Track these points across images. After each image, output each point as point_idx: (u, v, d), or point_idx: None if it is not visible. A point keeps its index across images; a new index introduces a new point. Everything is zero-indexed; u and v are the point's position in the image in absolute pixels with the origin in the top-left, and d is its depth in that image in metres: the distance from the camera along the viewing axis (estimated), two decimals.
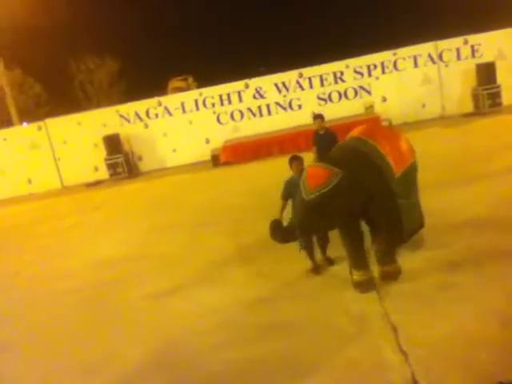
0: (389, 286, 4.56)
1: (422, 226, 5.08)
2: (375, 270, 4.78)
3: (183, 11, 34.03)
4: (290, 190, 4.97)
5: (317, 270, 5.28)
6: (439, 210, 6.08)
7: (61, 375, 4.19)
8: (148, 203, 10.72)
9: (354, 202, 4.27)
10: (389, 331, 3.85)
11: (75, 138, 15.35)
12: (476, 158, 8.40)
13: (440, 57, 14.24)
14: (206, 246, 6.80)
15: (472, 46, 14.05)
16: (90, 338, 4.78)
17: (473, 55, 14.08)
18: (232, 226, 7.45)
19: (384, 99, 14.52)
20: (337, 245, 5.03)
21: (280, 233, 4.39)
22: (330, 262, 5.42)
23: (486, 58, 13.76)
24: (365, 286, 4.61)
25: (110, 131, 14.90)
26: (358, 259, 4.66)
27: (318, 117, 7.59)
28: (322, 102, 14.84)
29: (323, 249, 5.42)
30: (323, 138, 7.29)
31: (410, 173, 4.71)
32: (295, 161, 5.24)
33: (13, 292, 6.51)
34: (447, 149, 9.62)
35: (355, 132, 4.94)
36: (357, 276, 4.66)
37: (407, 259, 5.00)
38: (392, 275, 4.66)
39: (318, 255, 5.41)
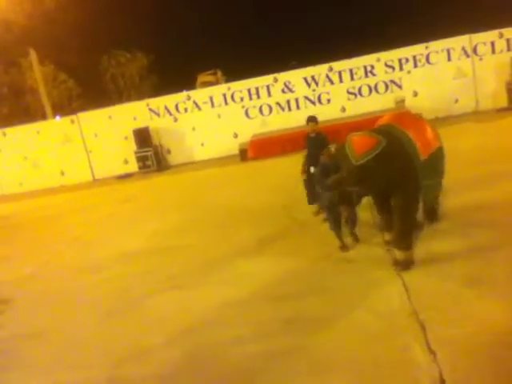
0: (417, 283, 4.49)
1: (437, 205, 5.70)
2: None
3: (213, 6, 34.06)
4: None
5: (345, 248, 5.63)
6: (469, 205, 6.01)
7: (89, 364, 4.27)
8: (176, 197, 10.82)
9: (393, 170, 4.60)
10: (417, 329, 3.78)
11: (106, 132, 15.63)
12: (506, 155, 8.17)
13: (474, 50, 13.88)
14: (232, 241, 6.81)
15: (507, 40, 13.66)
16: (118, 329, 4.85)
17: (508, 49, 13.68)
18: (258, 221, 7.45)
19: (415, 94, 14.27)
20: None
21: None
22: (356, 238, 5.78)
23: None
24: (407, 264, 4.87)
25: (139, 125, 15.11)
26: (388, 224, 5.16)
27: (313, 119, 7.22)
28: (352, 96, 14.68)
29: (352, 224, 5.77)
30: (314, 142, 7.11)
31: (436, 157, 5.11)
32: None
33: (43, 281, 6.66)
34: (480, 145, 9.39)
35: (384, 119, 5.40)
36: (388, 236, 5.29)
37: (434, 253, 4.97)
38: (403, 263, 4.85)
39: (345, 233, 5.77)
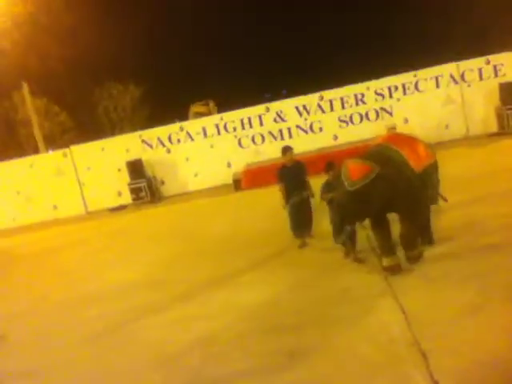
0: (416, 311, 4.44)
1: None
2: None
3: (205, 37, 34.66)
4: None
5: (358, 259, 5.94)
6: (466, 229, 6.03)
7: None
8: (170, 228, 10.75)
9: (386, 194, 4.91)
10: (418, 359, 3.72)
11: (99, 164, 15.64)
12: (502, 178, 8.23)
13: (462, 77, 14.14)
14: (227, 272, 6.74)
15: (494, 66, 13.95)
16: (114, 367, 4.72)
17: (495, 75, 13.96)
18: (256, 252, 7.40)
19: (406, 120, 14.45)
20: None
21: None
22: (360, 260, 5.97)
23: (509, 77, 13.63)
24: (394, 269, 5.29)
25: (133, 157, 15.14)
26: (387, 247, 5.33)
27: (289, 149, 7.17)
28: (344, 124, 14.84)
29: (353, 246, 6.04)
30: (292, 171, 7.06)
31: (430, 172, 5.38)
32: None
33: (39, 317, 6.51)
34: (472, 169, 9.47)
35: (378, 140, 5.74)
36: (386, 262, 5.35)
37: (432, 280, 4.95)
38: (415, 259, 5.31)
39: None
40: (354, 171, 4.84)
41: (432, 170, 5.49)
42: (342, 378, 3.72)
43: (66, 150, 16.05)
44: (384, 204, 5.01)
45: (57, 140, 28.19)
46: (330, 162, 6.29)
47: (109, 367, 4.71)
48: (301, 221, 7.14)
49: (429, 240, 5.78)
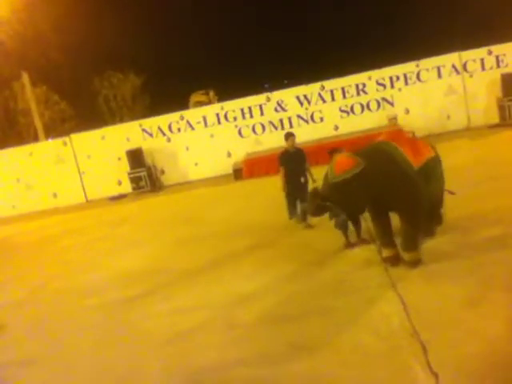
0: (416, 302, 4.44)
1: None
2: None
3: (206, 26, 34.44)
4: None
5: (351, 246, 6.04)
6: (468, 221, 6.03)
7: None
8: (171, 217, 10.74)
9: (373, 191, 4.88)
10: (418, 350, 3.72)
11: (99, 153, 15.60)
12: (501, 170, 8.20)
13: (464, 67, 14.05)
14: (230, 261, 6.73)
15: (497, 56, 13.85)
16: (114, 354, 4.73)
17: (497, 65, 13.86)
18: (256, 240, 7.40)
19: (407, 111, 14.38)
20: None
21: (315, 203, 5.07)
22: (366, 241, 6.11)
23: (511, 67, 13.53)
24: (393, 260, 5.32)
25: (133, 145, 15.09)
26: (386, 239, 5.37)
27: (292, 134, 7.64)
28: (344, 114, 14.77)
29: (357, 232, 6.15)
30: (293, 157, 7.48)
31: (430, 166, 5.31)
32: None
33: (38, 306, 6.53)
34: (474, 161, 9.44)
35: (379, 138, 5.67)
36: (385, 253, 5.40)
37: (432, 272, 4.97)
38: (412, 262, 5.18)
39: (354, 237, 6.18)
40: (338, 164, 4.91)
41: (434, 164, 5.44)
42: (342, 369, 3.72)
43: (66, 139, 16.00)
44: (377, 199, 5.00)
45: (57, 129, 28.09)
46: (334, 148, 6.24)
47: (108, 356, 4.72)
48: (295, 202, 7.51)
49: (430, 232, 5.76)
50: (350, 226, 6.20)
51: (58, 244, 10.07)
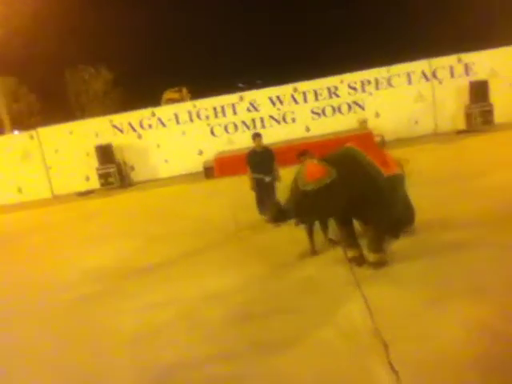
0: (378, 301, 4.51)
1: (410, 222, 5.92)
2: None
3: (179, 23, 34.21)
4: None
5: (314, 253, 6.00)
6: (431, 223, 6.13)
7: None
8: (140, 214, 10.62)
9: (342, 199, 4.88)
10: (379, 348, 3.77)
11: (67, 148, 15.28)
12: (467, 174, 8.40)
13: (434, 74, 14.34)
14: (197, 259, 6.71)
15: (466, 64, 14.18)
16: (83, 351, 4.66)
17: (466, 73, 14.20)
18: (224, 238, 7.39)
19: (377, 115, 14.58)
20: None
21: (276, 213, 5.01)
22: (334, 242, 6.14)
23: (480, 76, 13.89)
24: (357, 260, 5.42)
25: (102, 141, 14.85)
26: (351, 240, 5.49)
27: (259, 135, 7.88)
28: (316, 116, 14.89)
29: (324, 233, 6.18)
30: (260, 156, 7.72)
31: (396, 180, 5.36)
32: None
33: (4, 302, 6.36)
34: (441, 166, 9.64)
35: (348, 144, 5.59)
36: (351, 253, 5.51)
37: (395, 272, 5.07)
38: (377, 264, 5.25)
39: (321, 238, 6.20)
40: (310, 172, 4.87)
41: (399, 182, 5.49)
42: (305, 366, 3.76)
43: (33, 132, 15.62)
44: (345, 206, 4.99)
45: (25, 122, 27.43)
46: (303, 150, 6.58)
47: (76, 352, 4.65)
48: (264, 199, 7.65)
49: (397, 233, 5.85)
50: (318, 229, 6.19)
51: (24, 240, 9.81)
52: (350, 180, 4.88)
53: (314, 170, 4.87)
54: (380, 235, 5.33)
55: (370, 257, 5.33)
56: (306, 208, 4.85)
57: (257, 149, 7.82)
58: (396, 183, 5.37)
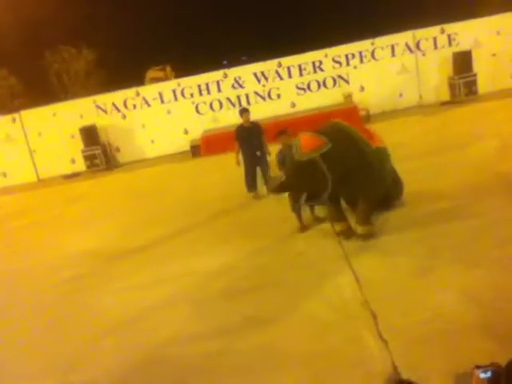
0: (367, 274, 4.59)
1: (399, 195, 6.06)
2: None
3: (163, 2, 33.53)
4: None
5: (304, 228, 6.07)
6: (417, 195, 6.22)
7: (38, 374, 4.12)
8: (126, 195, 10.59)
9: (337, 169, 4.96)
10: (368, 319, 3.86)
11: (51, 130, 15.05)
12: (451, 146, 8.48)
13: (417, 46, 14.30)
14: (186, 237, 6.75)
15: (449, 35, 14.14)
16: (68, 333, 4.71)
17: (450, 44, 14.17)
18: (213, 217, 7.42)
19: (362, 88, 14.54)
20: None
21: (277, 186, 5.33)
22: (320, 220, 6.23)
23: (463, 46, 13.87)
24: (346, 233, 5.53)
25: (86, 122, 14.66)
26: (338, 215, 5.62)
27: (246, 110, 7.88)
28: (301, 92, 14.81)
29: (311, 209, 6.27)
30: (250, 130, 7.69)
31: (382, 153, 5.56)
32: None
33: None
34: (423, 137, 9.72)
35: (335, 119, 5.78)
36: (339, 227, 5.62)
37: (383, 244, 5.17)
38: (365, 236, 5.36)
39: (308, 214, 6.29)
40: (306, 143, 5.00)
41: (385, 154, 5.66)
42: (296, 338, 3.84)
43: (16, 115, 15.36)
44: (338, 180, 5.04)
45: (7, 105, 26.93)
46: (282, 129, 6.67)
47: (61, 336, 4.69)
48: (254, 176, 7.72)
49: (386, 206, 5.94)
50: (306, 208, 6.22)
51: (9, 224, 9.76)
52: (343, 151, 4.98)
53: (309, 141, 5.01)
54: (369, 208, 5.41)
55: (359, 229, 5.42)
56: (304, 180, 4.95)
57: (245, 124, 7.82)
58: (383, 156, 5.51)
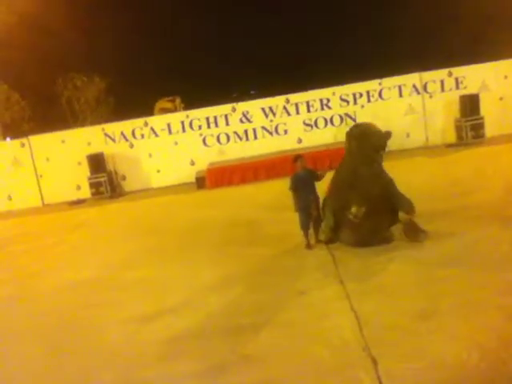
0: (368, 316, 4.50)
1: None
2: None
3: (174, 32, 34.32)
4: (297, 183, 6.74)
5: (309, 247, 6.65)
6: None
7: None
8: (130, 224, 10.56)
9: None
10: (368, 363, 3.76)
11: (58, 156, 15.21)
12: (457, 189, 8.46)
13: (424, 88, 14.48)
14: (188, 272, 6.67)
15: (456, 78, 14.34)
16: (66, 364, 4.60)
17: (457, 87, 14.35)
18: (216, 252, 7.35)
19: None
20: None
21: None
22: (318, 240, 6.74)
23: (470, 89, 14.04)
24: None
25: (94, 150, 14.79)
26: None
27: (300, 157, 7.01)
28: (308, 128, 14.94)
29: (316, 233, 6.76)
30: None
31: None
32: (300, 158, 6.94)
33: None
34: (431, 179, 9.70)
35: None
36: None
37: (385, 286, 5.07)
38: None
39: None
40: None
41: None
42: (294, 381, 3.73)
43: (24, 140, 15.54)
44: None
45: (16, 129, 27.24)
46: (297, 154, 7.01)
47: (59, 365, 4.58)
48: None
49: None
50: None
51: (11, 248, 9.73)
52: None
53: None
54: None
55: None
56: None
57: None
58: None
